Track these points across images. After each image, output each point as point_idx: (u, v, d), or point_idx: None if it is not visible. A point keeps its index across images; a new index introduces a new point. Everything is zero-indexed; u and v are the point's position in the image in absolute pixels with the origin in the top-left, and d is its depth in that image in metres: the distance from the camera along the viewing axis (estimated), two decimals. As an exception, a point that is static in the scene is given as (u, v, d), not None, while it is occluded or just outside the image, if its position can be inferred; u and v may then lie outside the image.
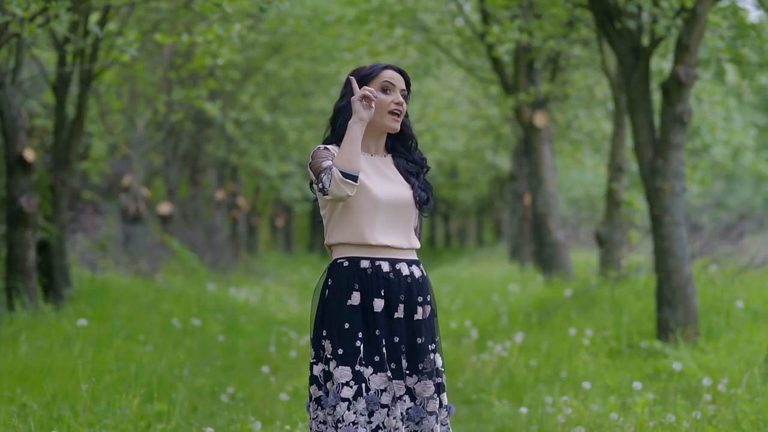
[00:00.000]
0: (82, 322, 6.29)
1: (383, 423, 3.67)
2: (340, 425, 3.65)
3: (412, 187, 3.80)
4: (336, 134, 3.81)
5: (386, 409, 3.68)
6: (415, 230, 3.89)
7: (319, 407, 3.74)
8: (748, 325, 8.24)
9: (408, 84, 3.86)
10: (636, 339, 8.21)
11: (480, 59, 14.85)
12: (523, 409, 5.86)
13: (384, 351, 3.69)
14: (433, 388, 3.75)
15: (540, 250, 13.60)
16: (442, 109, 19.10)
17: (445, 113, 19.28)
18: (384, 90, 3.79)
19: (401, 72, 3.85)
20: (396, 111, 3.78)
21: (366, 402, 3.66)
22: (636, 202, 13.53)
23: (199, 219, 20.14)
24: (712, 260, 11.44)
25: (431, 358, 3.77)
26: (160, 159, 17.86)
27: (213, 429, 5.47)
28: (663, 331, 8.10)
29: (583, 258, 17.34)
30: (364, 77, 3.80)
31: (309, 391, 3.79)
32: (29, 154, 8.98)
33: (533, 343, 8.36)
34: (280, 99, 20.47)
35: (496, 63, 12.83)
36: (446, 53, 14.66)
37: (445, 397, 3.82)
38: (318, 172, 3.66)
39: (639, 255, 13.61)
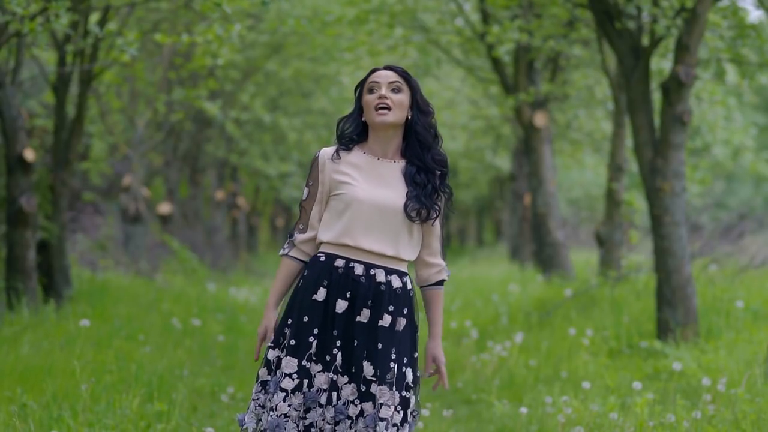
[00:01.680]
0: (84, 322, 6.29)
1: (316, 422, 3.67)
2: (272, 413, 3.67)
3: (407, 196, 3.73)
4: (338, 137, 3.84)
5: (322, 409, 3.67)
6: (439, 249, 3.83)
7: (263, 390, 3.75)
8: (748, 325, 8.24)
9: (403, 76, 3.78)
10: (636, 339, 8.20)
11: (480, 59, 14.85)
12: (523, 409, 5.86)
13: (336, 352, 3.68)
14: (388, 394, 3.67)
15: (540, 250, 13.60)
16: (442, 109, 19.10)
17: (445, 113, 19.28)
18: (369, 92, 3.77)
19: (391, 68, 3.79)
20: (380, 105, 3.73)
21: (305, 398, 3.67)
22: (636, 202, 13.53)
23: (199, 219, 20.14)
24: (712, 260, 11.44)
25: (393, 367, 3.69)
26: (160, 159, 17.87)
27: (213, 429, 5.47)
28: (663, 331, 8.10)
29: (583, 258, 17.34)
30: (359, 85, 3.82)
31: (258, 372, 3.80)
32: (29, 154, 8.98)
33: (533, 343, 8.36)
34: (280, 99, 20.47)
35: (496, 63, 12.83)
36: (446, 53, 14.66)
37: (409, 413, 3.73)
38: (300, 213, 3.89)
39: (639, 255, 13.61)
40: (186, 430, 5.64)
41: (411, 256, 3.80)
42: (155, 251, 16.15)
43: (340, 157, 3.78)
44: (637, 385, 5.75)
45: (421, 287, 3.89)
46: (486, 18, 12.50)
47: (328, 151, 3.81)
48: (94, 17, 10.37)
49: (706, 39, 10.15)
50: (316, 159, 3.80)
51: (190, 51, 14.03)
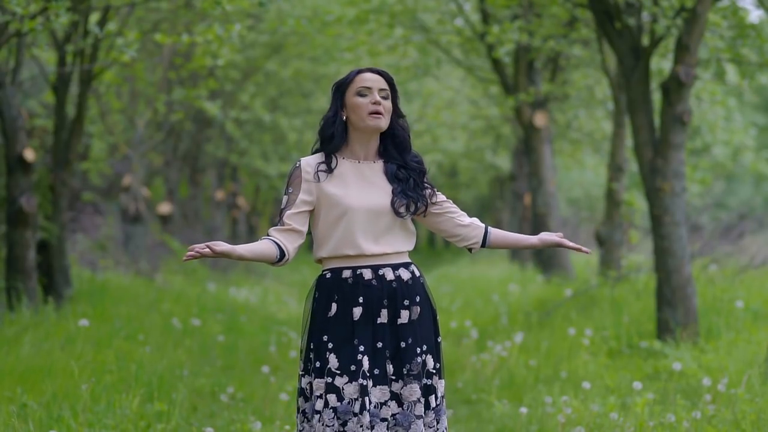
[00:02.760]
0: (84, 322, 6.29)
1: None
2: None
3: (393, 193, 3.77)
4: (322, 144, 3.83)
5: (358, 417, 3.68)
6: (453, 220, 3.87)
7: (306, 419, 3.78)
8: (748, 325, 8.24)
9: (390, 83, 3.81)
10: (636, 339, 8.20)
11: (480, 59, 14.85)
12: (523, 409, 5.86)
13: (361, 359, 3.69)
14: (419, 392, 3.72)
15: (540, 250, 13.60)
16: (442, 109, 19.10)
17: (445, 113, 19.28)
18: (360, 95, 3.77)
19: (379, 72, 3.81)
20: (373, 111, 3.75)
21: (336, 413, 3.68)
22: (636, 202, 13.53)
23: (199, 219, 20.14)
24: (712, 260, 11.44)
25: (418, 361, 3.74)
26: (160, 159, 17.86)
27: (213, 429, 5.47)
28: (663, 331, 8.10)
29: (583, 258, 17.33)
30: (341, 85, 3.81)
31: (297, 402, 3.82)
32: (29, 154, 8.98)
33: (533, 343, 8.36)
34: (280, 99, 20.47)
35: (496, 63, 12.83)
36: (446, 53, 14.65)
37: (433, 399, 3.78)
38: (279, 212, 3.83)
39: (639, 255, 13.61)
40: (186, 430, 5.64)
41: (408, 246, 3.84)
42: (155, 251, 16.15)
43: (326, 169, 3.78)
44: (637, 385, 5.75)
45: (483, 247, 3.93)
46: (486, 18, 12.50)
47: (310, 162, 3.80)
48: (94, 17, 10.37)
49: (706, 39, 10.15)
50: (297, 168, 3.79)
51: (190, 51, 14.02)
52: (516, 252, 20.03)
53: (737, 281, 10.20)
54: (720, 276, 10.55)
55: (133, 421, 5.42)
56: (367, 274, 3.75)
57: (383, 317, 3.74)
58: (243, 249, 3.70)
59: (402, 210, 3.77)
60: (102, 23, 9.28)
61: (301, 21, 12.29)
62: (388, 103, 3.79)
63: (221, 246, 3.61)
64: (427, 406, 3.77)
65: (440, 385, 3.83)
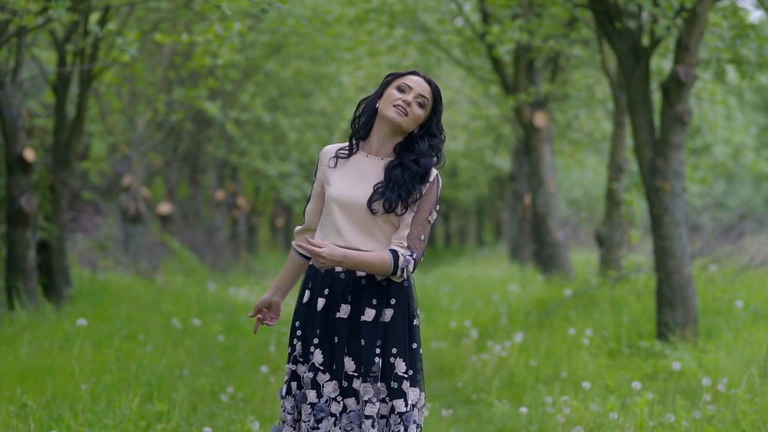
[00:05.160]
0: (82, 321, 6.29)
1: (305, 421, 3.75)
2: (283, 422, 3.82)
3: (374, 189, 3.72)
4: (353, 127, 3.85)
5: (309, 407, 3.74)
6: (409, 236, 3.72)
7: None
8: (748, 325, 8.24)
9: (435, 96, 3.78)
10: (636, 339, 8.20)
11: (480, 59, 14.85)
12: (523, 409, 5.86)
13: (314, 350, 3.73)
14: (372, 390, 3.69)
15: (540, 250, 13.60)
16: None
17: (445, 113, 19.25)
18: (399, 89, 3.77)
19: (429, 81, 3.79)
20: (400, 105, 3.73)
21: (296, 400, 3.76)
22: (636, 202, 13.52)
23: (199, 219, 20.15)
24: (712, 260, 11.43)
25: (378, 362, 3.70)
26: (160, 159, 17.87)
27: (213, 429, 5.48)
28: (663, 331, 8.10)
29: (583, 258, 17.33)
30: (390, 75, 3.82)
31: None
32: (29, 154, 8.98)
33: (533, 343, 8.36)
34: (280, 99, 20.48)
35: (496, 63, 12.83)
36: (446, 53, 14.65)
37: (401, 404, 3.72)
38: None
39: (639, 255, 13.61)
40: (186, 430, 5.64)
41: (389, 245, 3.77)
42: (155, 251, 16.15)
43: (345, 155, 3.83)
44: (636, 385, 5.75)
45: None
46: (486, 18, 12.50)
47: (330, 150, 3.87)
48: (94, 17, 10.36)
49: (706, 39, 10.15)
50: (318, 157, 3.89)
51: (190, 51, 14.03)
52: (516, 252, 20.03)
53: (737, 281, 10.20)
54: (720, 276, 10.56)
55: (133, 421, 5.42)
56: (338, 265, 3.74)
57: (343, 312, 3.74)
58: (277, 282, 4.01)
59: (375, 207, 3.71)
60: (102, 23, 9.28)
61: (301, 21, 12.29)
62: (418, 111, 3.76)
63: (262, 301, 4.01)
64: (391, 410, 3.73)
65: (412, 393, 3.75)
